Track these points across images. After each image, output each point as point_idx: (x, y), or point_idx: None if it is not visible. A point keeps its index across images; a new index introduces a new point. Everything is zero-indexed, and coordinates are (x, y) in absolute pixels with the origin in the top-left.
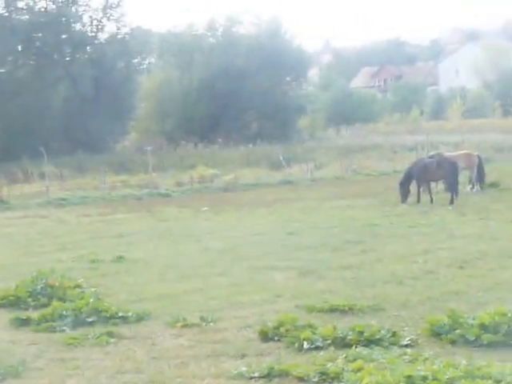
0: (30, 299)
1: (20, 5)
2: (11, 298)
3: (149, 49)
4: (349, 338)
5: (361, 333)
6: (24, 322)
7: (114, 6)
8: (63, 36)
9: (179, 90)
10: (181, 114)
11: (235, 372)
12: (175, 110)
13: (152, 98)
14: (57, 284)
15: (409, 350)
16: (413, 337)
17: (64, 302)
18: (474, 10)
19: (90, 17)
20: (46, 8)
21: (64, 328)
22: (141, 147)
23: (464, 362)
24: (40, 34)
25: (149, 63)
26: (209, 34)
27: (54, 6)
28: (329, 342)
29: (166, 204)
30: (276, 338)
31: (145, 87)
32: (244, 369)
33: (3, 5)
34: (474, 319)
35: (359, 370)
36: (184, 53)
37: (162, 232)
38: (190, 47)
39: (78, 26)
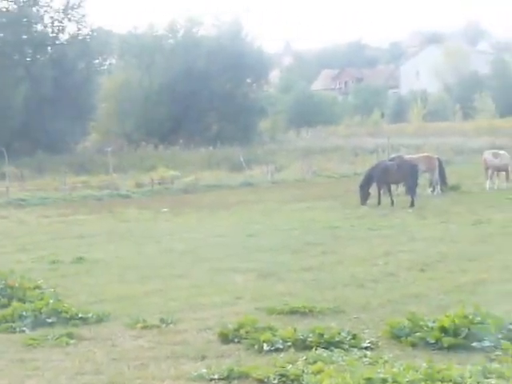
0: None
1: None
2: None
3: (109, 50)
4: (309, 340)
5: (321, 335)
6: None
7: (75, 6)
8: (24, 36)
9: (140, 91)
10: (141, 115)
11: (195, 374)
12: (136, 110)
13: (112, 98)
14: (16, 285)
15: (369, 353)
16: (373, 339)
17: (24, 303)
18: (435, 11)
19: (51, 17)
20: (7, 8)
21: (24, 329)
22: (101, 148)
23: (424, 364)
24: (1, 34)
25: (109, 64)
26: (170, 35)
27: (15, 7)
28: (289, 344)
29: (127, 205)
30: (236, 340)
31: (105, 88)
32: (204, 370)
33: None
34: (434, 322)
35: (319, 372)
36: (145, 54)
37: (122, 233)
38: (150, 48)
39: (39, 27)
